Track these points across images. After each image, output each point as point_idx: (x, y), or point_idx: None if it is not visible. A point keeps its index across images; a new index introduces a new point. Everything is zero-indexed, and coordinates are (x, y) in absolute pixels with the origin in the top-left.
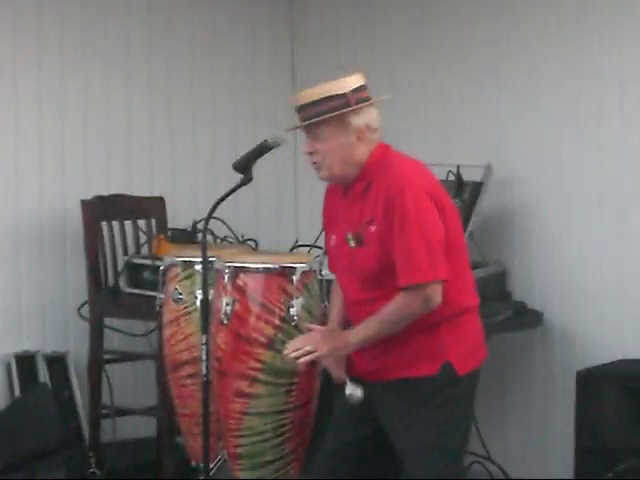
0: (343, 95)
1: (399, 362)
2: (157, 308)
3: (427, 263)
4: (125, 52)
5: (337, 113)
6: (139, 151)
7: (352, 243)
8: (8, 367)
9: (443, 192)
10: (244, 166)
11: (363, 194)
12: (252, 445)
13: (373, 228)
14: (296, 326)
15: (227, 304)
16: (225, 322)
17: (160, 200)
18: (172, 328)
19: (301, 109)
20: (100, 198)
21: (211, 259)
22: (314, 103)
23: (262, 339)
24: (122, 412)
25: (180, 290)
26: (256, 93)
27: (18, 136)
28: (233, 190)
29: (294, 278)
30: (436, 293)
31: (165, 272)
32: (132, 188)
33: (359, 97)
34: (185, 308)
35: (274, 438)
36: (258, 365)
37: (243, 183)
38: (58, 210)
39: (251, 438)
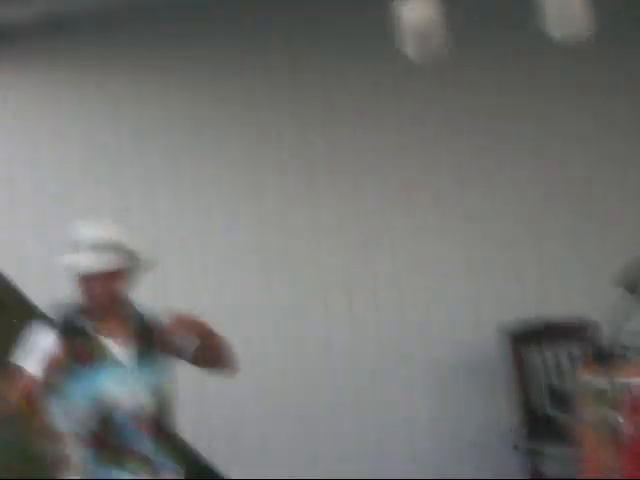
0: None
1: None
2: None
3: None
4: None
5: None
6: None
7: None
8: None
9: None
10: (633, 286)
11: None
12: None
13: None
14: None
15: (627, 424)
16: (629, 444)
17: (592, 322)
18: (591, 453)
19: None
20: (525, 324)
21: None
22: None
23: None
24: None
25: (594, 413)
26: None
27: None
28: (626, 311)
29: None
30: None
31: (581, 396)
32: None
33: None
34: (599, 431)
35: None
36: None
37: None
38: (487, 338)
39: None
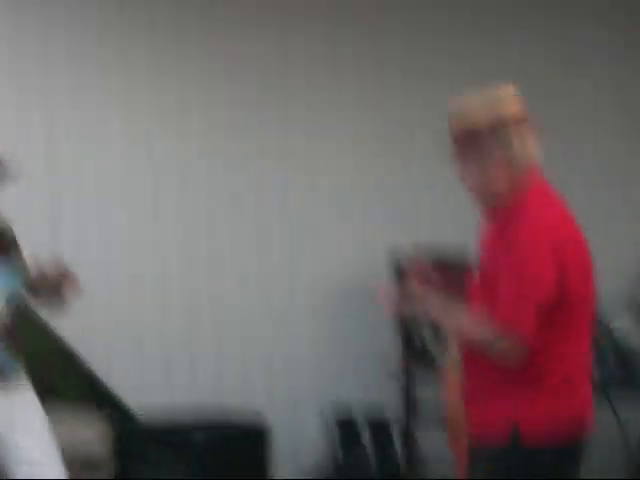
0: (474, 117)
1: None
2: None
3: (513, 311)
4: None
5: (460, 136)
6: None
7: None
8: None
9: (576, 247)
10: None
11: (500, 230)
12: None
13: (492, 267)
14: None
15: None
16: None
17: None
18: (448, 390)
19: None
20: (412, 256)
21: None
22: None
23: None
24: None
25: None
26: None
27: None
28: None
29: None
30: (515, 351)
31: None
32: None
33: (495, 118)
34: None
35: None
36: None
37: None
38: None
39: None
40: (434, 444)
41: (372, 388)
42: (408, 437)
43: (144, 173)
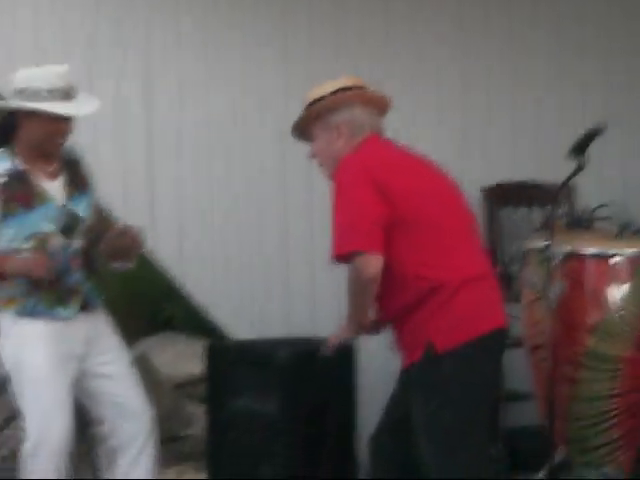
0: (322, 98)
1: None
2: (516, 292)
3: (346, 236)
4: None
5: (312, 115)
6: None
7: None
8: None
9: (405, 172)
10: (577, 152)
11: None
12: (580, 430)
13: None
14: (620, 314)
15: (557, 289)
16: (554, 307)
17: (567, 188)
18: (527, 312)
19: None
20: (501, 185)
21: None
22: (306, 107)
23: (587, 325)
24: (514, 397)
25: (534, 275)
26: None
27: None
28: (570, 177)
29: (624, 265)
30: (365, 264)
31: (525, 257)
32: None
33: (339, 97)
34: (537, 293)
35: (601, 423)
36: (582, 350)
37: (578, 170)
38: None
39: (578, 423)
40: None
41: None
42: None
43: None
